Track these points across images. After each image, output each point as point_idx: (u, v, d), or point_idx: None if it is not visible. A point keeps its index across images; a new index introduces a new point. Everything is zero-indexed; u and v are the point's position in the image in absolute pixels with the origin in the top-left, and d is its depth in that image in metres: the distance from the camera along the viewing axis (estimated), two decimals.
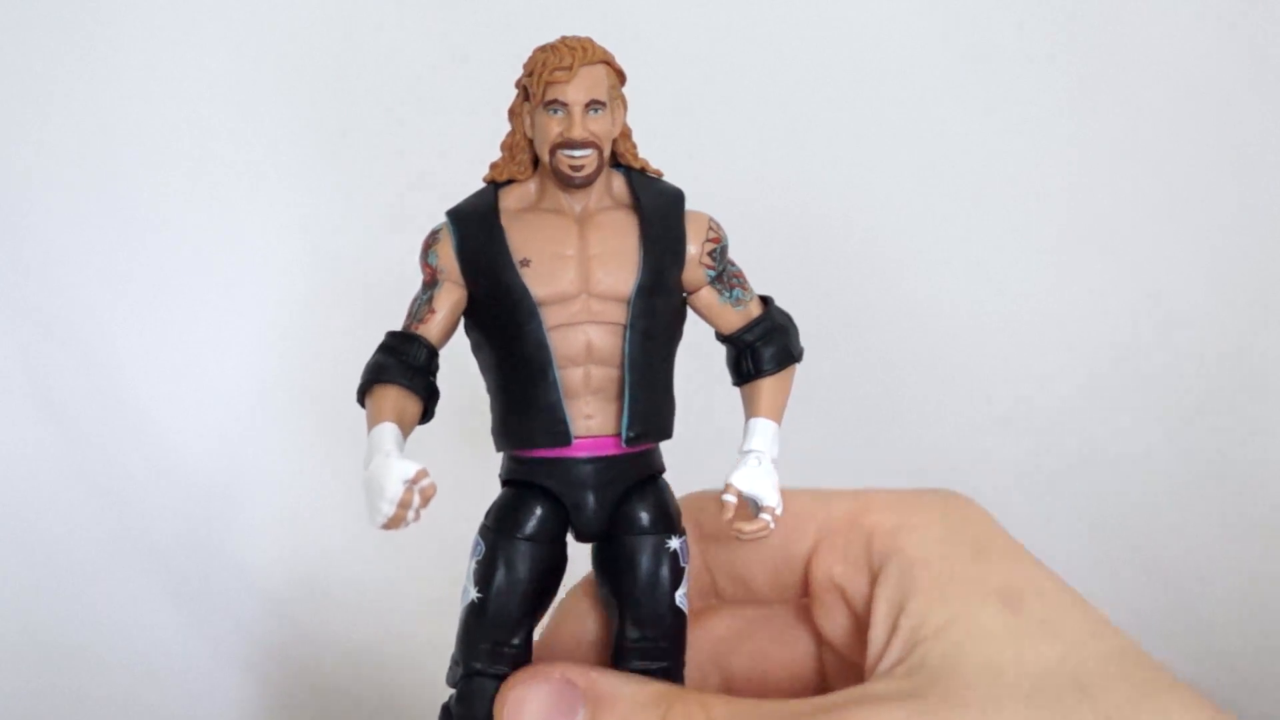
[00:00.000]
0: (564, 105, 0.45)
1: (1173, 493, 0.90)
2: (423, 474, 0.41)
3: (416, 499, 0.41)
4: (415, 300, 0.48)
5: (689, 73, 0.86)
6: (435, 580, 0.82)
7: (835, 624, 0.49)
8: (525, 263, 0.46)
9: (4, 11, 0.84)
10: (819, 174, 0.89)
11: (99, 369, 0.88)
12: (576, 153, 0.45)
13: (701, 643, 0.53)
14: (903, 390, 0.91)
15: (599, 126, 0.46)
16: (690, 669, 0.51)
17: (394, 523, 0.41)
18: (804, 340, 0.50)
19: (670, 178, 0.50)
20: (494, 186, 0.48)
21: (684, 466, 0.51)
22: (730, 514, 0.46)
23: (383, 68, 0.87)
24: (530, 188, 0.48)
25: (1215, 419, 0.90)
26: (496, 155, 0.49)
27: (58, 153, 0.86)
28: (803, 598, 0.50)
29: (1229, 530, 0.89)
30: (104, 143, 0.87)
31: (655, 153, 0.50)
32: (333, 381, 0.87)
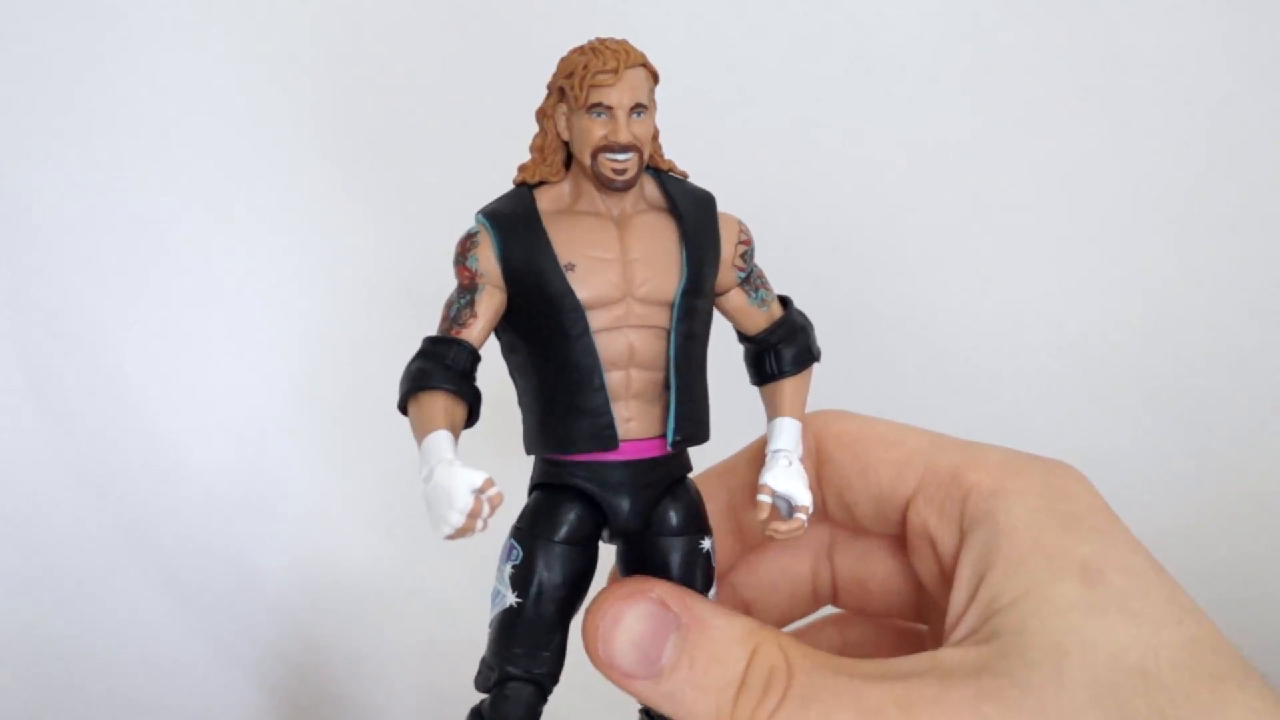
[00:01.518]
0: (608, 108, 0.45)
1: (1173, 491, 0.90)
2: (490, 482, 0.40)
3: (486, 508, 0.40)
4: (451, 304, 0.47)
5: (690, 73, 0.86)
6: (443, 584, 0.82)
7: (926, 569, 0.49)
8: (570, 267, 0.45)
9: (13, 15, 0.83)
10: (817, 174, 0.89)
11: (106, 373, 0.87)
12: (620, 156, 0.45)
13: (817, 539, 0.53)
14: (902, 390, 0.91)
15: (641, 129, 0.46)
16: (803, 559, 0.53)
17: (461, 533, 0.40)
18: None
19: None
20: (527, 188, 0.48)
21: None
22: (765, 514, 0.46)
23: (399, 73, 0.86)
24: (564, 189, 0.48)
25: (1215, 418, 0.91)
26: (513, 158, 0.49)
27: (69, 156, 0.85)
28: (902, 535, 0.51)
29: (1230, 529, 0.90)
30: (114, 147, 0.86)
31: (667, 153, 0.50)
32: (343, 386, 0.87)
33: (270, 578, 0.88)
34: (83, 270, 0.86)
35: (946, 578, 0.46)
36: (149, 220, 0.87)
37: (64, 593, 0.86)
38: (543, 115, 0.48)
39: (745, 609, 0.53)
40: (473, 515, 0.40)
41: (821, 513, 0.52)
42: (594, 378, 0.45)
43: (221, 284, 0.88)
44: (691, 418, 0.47)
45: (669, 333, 0.46)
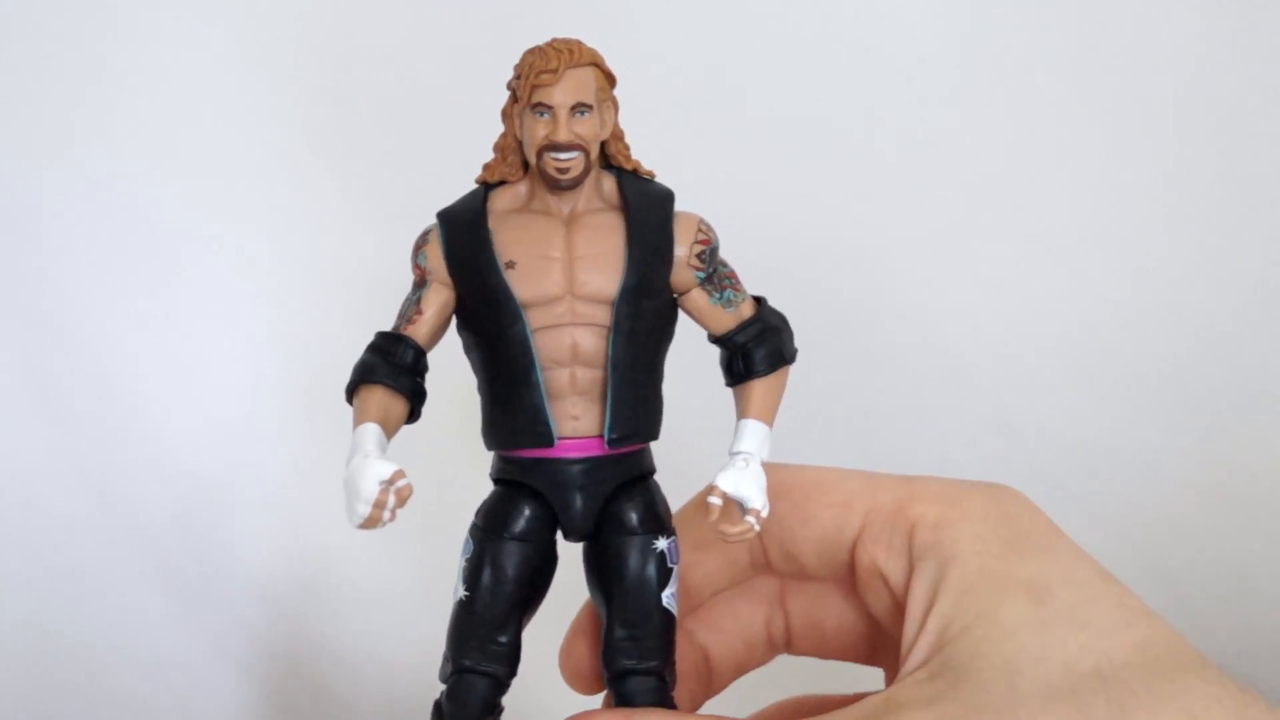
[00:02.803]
0: (549, 108, 0.45)
1: (1173, 491, 0.89)
2: (399, 475, 0.41)
3: (392, 499, 0.41)
4: (405, 301, 0.48)
5: (683, 73, 0.86)
6: (432, 578, 0.82)
7: (880, 606, 0.49)
8: (510, 265, 0.46)
9: (12, 17, 0.85)
10: (813, 173, 0.88)
11: (98, 367, 0.89)
12: (562, 155, 0.46)
13: (769, 587, 0.53)
14: (900, 391, 0.90)
15: (584, 129, 0.46)
16: (757, 607, 0.53)
17: (369, 523, 0.41)
18: (799, 341, 0.50)
19: (664, 178, 0.49)
20: (485, 188, 0.48)
21: (679, 467, 0.52)
22: (714, 516, 0.45)
23: (384, 68, 0.87)
24: (521, 189, 0.48)
25: (1215, 417, 0.90)
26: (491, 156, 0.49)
27: (69, 157, 0.87)
28: (851, 577, 0.50)
29: (1230, 529, 0.89)
30: (114, 148, 0.87)
31: (651, 154, 0.50)
32: (332, 379, 0.87)
33: (272, 577, 0.89)
34: (83, 270, 0.88)
35: (902, 611, 0.46)
36: (150, 220, 0.88)
37: (63, 592, 0.87)
38: (504, 115, 0.48)
39: (704, 656, 0.53)
40: (378, 506, 0.41)
41: (765, 564, 0.52)
42: (530, 375, 0.46)
43: (221, 283, 0.89)
44: (632, 416, 0.47)
45: (609, 331, 0.46)
